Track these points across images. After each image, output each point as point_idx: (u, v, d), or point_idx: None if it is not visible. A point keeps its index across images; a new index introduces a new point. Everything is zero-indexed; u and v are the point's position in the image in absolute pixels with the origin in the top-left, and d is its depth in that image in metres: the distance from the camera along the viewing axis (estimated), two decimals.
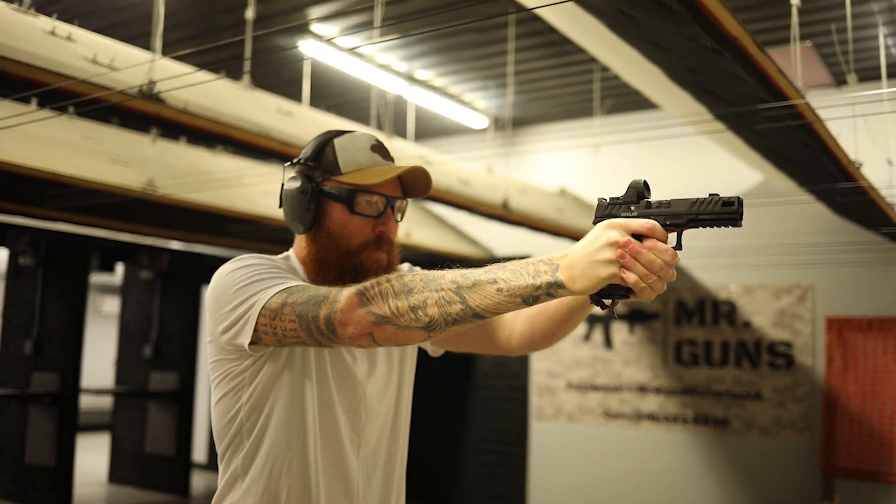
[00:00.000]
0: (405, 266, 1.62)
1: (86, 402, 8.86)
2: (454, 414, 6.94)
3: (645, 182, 1.17)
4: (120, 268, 7.78)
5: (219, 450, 1.44)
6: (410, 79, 5.70)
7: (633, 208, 1.16)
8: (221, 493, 1.43)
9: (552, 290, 1.10)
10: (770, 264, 5.58)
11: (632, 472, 6.08)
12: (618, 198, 1.18)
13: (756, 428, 5.68)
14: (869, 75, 5.05)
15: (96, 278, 10.27)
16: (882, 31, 4.53)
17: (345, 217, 1.43)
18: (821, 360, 5.48)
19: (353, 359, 1.49)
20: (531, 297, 1.11)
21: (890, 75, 4.96)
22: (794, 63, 2.92)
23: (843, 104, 3.59)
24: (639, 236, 1.09)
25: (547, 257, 1.13)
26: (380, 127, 5.70)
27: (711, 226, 1.12)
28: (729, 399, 5.81)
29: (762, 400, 5.68)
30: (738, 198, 1.09)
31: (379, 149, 1.49)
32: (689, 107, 3.43)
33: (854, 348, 5.35)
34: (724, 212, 1.10)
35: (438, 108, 6.13)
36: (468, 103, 6.30)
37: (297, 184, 1.44)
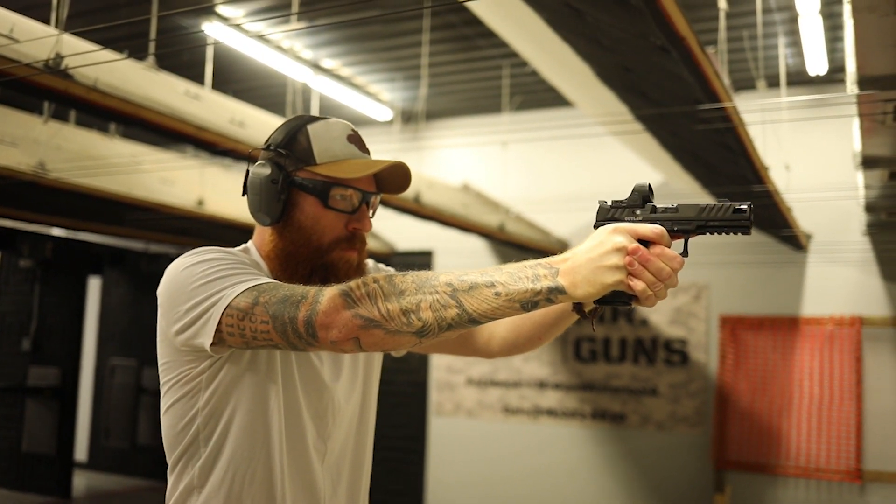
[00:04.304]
0: (370, 263, 1.52)
1: None
2: None
3: (650, 185, 1.13)
4: None
5: (169, 460, 1.31)
6: (316, 67, 5.55)
7: (637, 212, 1.11)
8: None
9: (553, 295, 1.04)
10: None
11: (530, 466, 6.13)
12: (620, 201, 1.13)
13: (652, 423, 5.82)
14: (777, 82, 5.22)
15: None
16: (782, 41, 4.70)
17: (318, 211, 1.32)
18: (714, 356, 5.66)
19: (321, 361, 1.38)
20: (530, 302, 1.05)
21: (791, 83, 5.15)
22: (722, 66, 2.97)
23: (753, 110, 3.69)
24: (645, 242, 1.05)
25: (545, 261, 1.07)
26: (287, 115, 5.53)
27: (720, 233, 1.09)
28: (626, 395, 5.93)
29: (658, 396, 5.82)
30: (750, 204, 1.06)
31: (355, 139, 1.39)
32: (608, 106, 3.44)
33: (746, 346, 5.55)
34: (735, 219, 1.07)
35: (343, 98, 6.00)
36: (373, 94, 6.20)
37: (265, 171, 1.31)
